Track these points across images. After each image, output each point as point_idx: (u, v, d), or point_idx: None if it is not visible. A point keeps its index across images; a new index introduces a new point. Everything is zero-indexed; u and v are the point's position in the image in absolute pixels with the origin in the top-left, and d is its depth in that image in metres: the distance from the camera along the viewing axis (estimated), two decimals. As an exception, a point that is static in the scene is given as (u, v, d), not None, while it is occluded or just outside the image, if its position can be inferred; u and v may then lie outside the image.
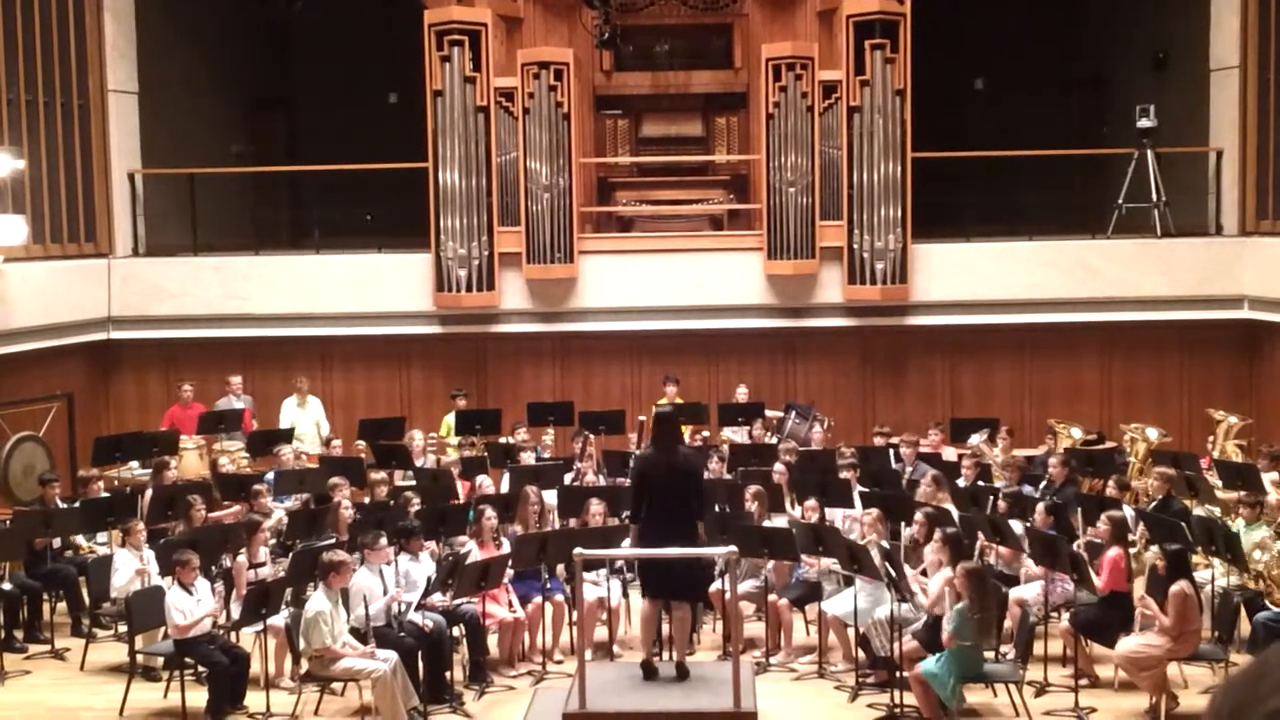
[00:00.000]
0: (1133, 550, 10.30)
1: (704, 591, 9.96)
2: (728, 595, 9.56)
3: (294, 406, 14.71)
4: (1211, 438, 13.49)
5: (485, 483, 12.24)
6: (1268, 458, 12.31)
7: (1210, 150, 15.57)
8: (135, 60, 15.90)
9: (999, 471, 12.43)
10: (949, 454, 13.07)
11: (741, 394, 14.65)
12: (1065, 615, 9.84)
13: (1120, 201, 15.34)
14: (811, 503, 10.78)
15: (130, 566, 10.32)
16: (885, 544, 9.92)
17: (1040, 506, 10.40)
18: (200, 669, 9.49)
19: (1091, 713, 9.20)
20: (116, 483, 13.22)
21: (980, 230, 15.79)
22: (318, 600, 9.04)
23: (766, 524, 10.66)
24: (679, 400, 14.37)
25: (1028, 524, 10.42)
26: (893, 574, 9.34)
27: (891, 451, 13.03)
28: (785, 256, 15.03)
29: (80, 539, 11.91)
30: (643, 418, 13.48)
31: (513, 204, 15.09)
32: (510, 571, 10.40)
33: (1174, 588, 8.87)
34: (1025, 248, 15.45)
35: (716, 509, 11.16)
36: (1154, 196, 15.15)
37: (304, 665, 9.38)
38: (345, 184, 17.08)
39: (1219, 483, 11.90)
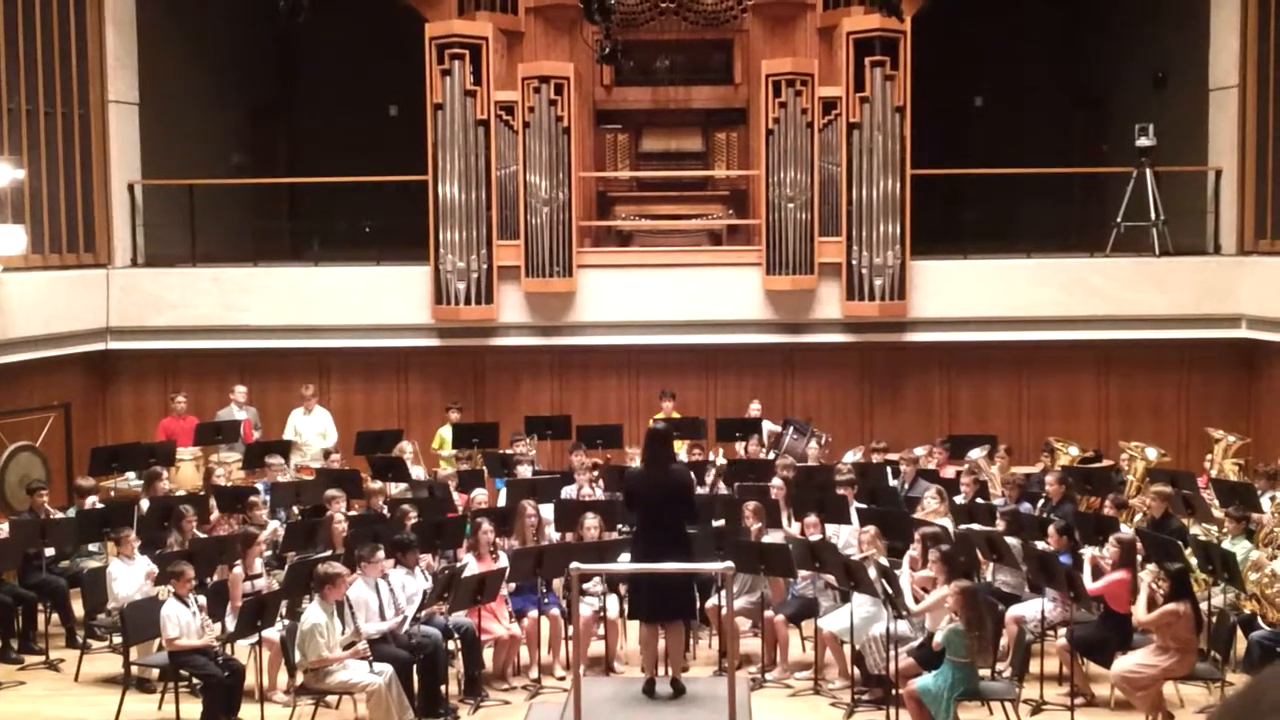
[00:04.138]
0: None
1: (694, 608, 9.93)
2: (724, 611, 9.55)
3: (300, 415, 14.71)
4: (1209, 456, 13.48)
5: (480, 496, 12.24)
6: (1264, 477, 12.31)
7: (1209, 169, 15.60)
8: (136, 70, 15.91)
9: (996, 489, 12.44)
10: (948, 471, 13.06)
11: (754, 409, 14.60)
12: (1062, 633, 9.82)
13: (1119, 220, 15.36)
14: (812, 519, 10.77)
15: (135, 574, 10.30)
16: (884, 560, 9.91)
17: (1052, 529, 10.38)
18: (195, 681, 9.46)
19: (1087, 732, 9.19)
20: (113, 493, 13.20)
21: (979, 247, 15.80)
22: (314, 612, 9.03)
23: (764, 540, 10.64)
24: (675, 415, 14.37)
25: (1026, 542, 10.41)
26: (889, 591, 9.33)
27: (889, 468, 13.02)
28: (784, 272, 15.03)
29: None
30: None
31: (512, 217, 15.10)
32: (510, 585, 10.41)
33: (1168, 606, 8.86)
34: (1024, 265, 15.46)
35: (713, 524, 11.17)
36: (1153, 215, 15.17)
37: (299, 678, 9.36)
38: (345, 196, 17.09)
39: (1216, 502, 11.89)
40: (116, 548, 10.61)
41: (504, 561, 10.44)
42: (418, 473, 13.46)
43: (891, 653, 9.27)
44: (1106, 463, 13.72)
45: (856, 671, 9.85)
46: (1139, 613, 9.09)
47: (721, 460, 13.50)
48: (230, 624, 9.67)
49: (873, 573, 9.52)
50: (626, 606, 9.99)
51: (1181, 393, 15.39)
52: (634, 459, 12.69)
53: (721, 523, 11.23)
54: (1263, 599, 10.14)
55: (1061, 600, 9.82)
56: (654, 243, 15.98)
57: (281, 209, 19.15)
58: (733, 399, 15.26)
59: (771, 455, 13.54)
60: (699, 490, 11.75)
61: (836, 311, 15.22)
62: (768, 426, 14.28)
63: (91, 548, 11.89)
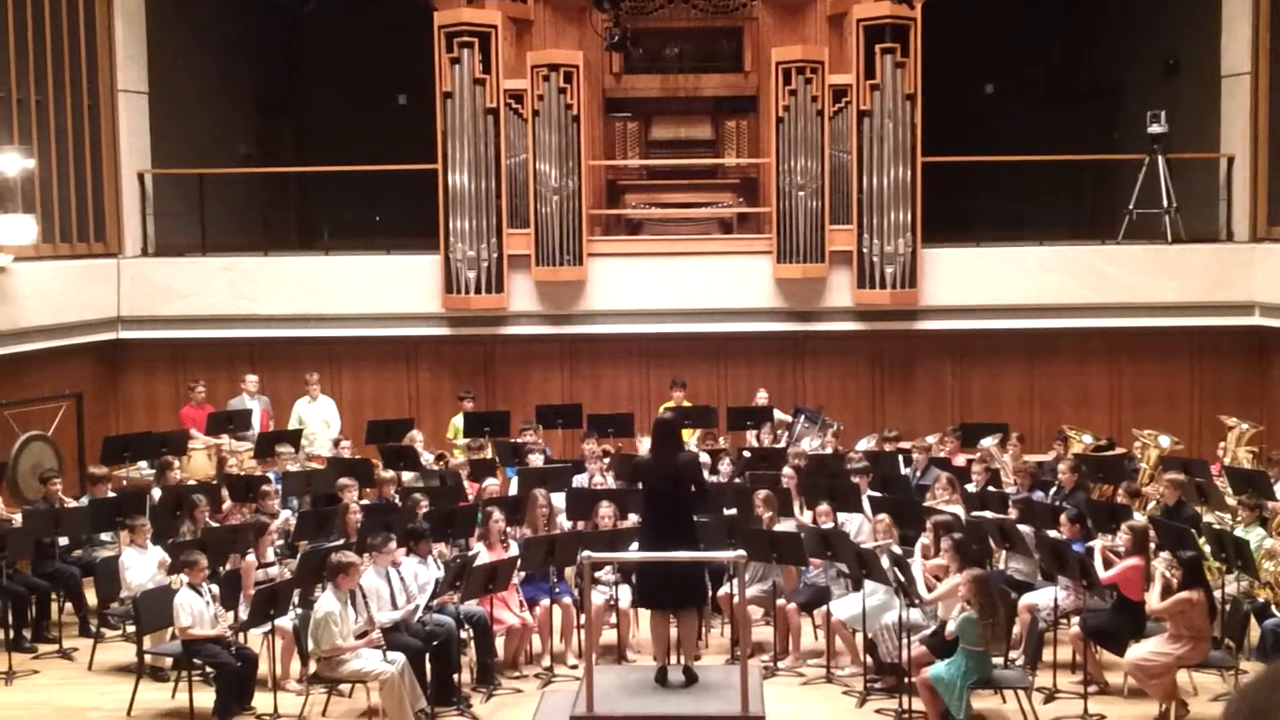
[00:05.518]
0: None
1: (705, 595, 9.90)
2: (736, 599, 9.54)
3: (305, 404, 14.72)
4: (1223, 444, 13.45)
5: (491, 485, 12.25)
6: (1278, 464, 12.27)
7: (1221, 156, 15.54)
8: (145, 60, 15.91)
9: (1008, 477, 12.41)
10: (960, 460, 13.03)
11: (761, 398, 14.59)
12: (1075, 621, 9.80)
13: (1131, 207, 15.31)
14: (824, 508, 10.75)
15: (148, 563, 10.31)
16: (896, 549, 9.89)
17: (1064, 517, 10.35)
18: (208, 669, 9.48)
19: (1101, 720, 9.17)
20: (125, 482, 13.22)
21: (990, 235, 15.76)
22: (327, 601, 9.03)
23: (776, 528, 10.63)
24: (686, 404, 14.35)
25: (1039, 530, 10.39)
26: (901, 579, 9.31)
27: (900, 456, 13.00)
28: (794, 260, 15.01)
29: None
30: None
31: (522, 206, 15.09)
32: (521, 574, 10.42)
33: (1182, 594, 8.84)
34: (1035, 253, 15.42)
35: (724, 512, 11.16)
36: (1165, 202, 15.12)
37: (311, 666, 9.37)
38: (354, 185, 17.09)
39: (1229, 489, 11.85)
40: (130, 536, 10.62)
41: (515, 550, 10.44)
42: (426, 458, 13.45)
43: (904, 641, 9.26)
44: (1119, 451, 13.69)
45: (869, 660, 9.84)
46: (1153, 601, 9.07)
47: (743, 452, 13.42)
48: (243, 613, 9.68)
49: (885, 561, 9.50)
50: (635, 595, 9.97)
51: (1194, 380, 15.35)
52: (645, 447, 12.68)
53: (733, 511, 11.22)
54: (1276, 587, 10.12)
55: (1074, 588, 9.80)
56: (664, 231, 15.95)
57: (291, 198, 19.15)
58: (744, 388, 15.23)
59: (783, 443, 13.52)
60: (713, 478, 11.76)
61: (847, 300, 15.19)
62: (778, 415, 14.26)
63: (104, 537, 11.91)
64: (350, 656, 9.02)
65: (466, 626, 9.95)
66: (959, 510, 11.06)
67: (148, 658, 9.97)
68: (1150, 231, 15.43)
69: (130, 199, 15.73)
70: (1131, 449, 13.66)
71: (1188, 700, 9.18)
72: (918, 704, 9.04)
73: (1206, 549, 10.22)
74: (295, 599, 9.84)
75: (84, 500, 12.15)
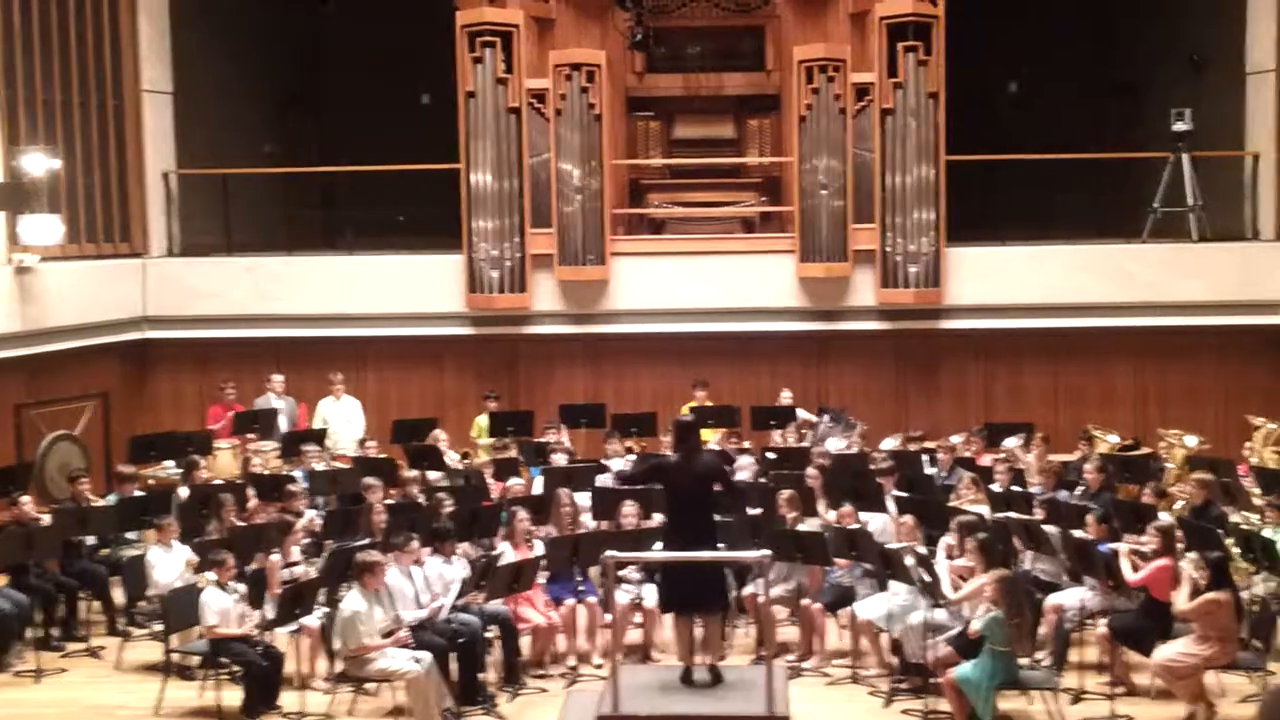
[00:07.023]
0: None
1: (727, 599, 9.87)
2: (761, 599, 9.54)
3: (330, 403, 14.76)
4: (1249, 444, 13.38)
5: (516, 484, 12.26)
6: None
7: (1247, 154, 15.46)
8: (169, 60, 15.99)
9: (1033, 477, 12.37)
10: (985, 459, 12.99)
11: (785, 398, 14.56)
12: (1102, 622, 9.77)
13: (1156, 205, 15.24)
14: (847, 508, 10.73)
15: (175, 562, 10.36)
16: (921, 549, 9.87)
17: (1090, 517, 10.31)
18: (235, 668, 9.51)
19: (1128, 721, 9.14)
20: (151, 481, 13.28)
21: (1014, 234, 15.71)
22: (353, 600, 9.06)
23: (800, 528, 10.61)
24: (709, 403, 14.34)
25: (1065, 530, 10.35)
26: (926, 579, 9.29)
27: (925, 456, 12.97)
28: (817, 259, 15.00)
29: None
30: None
31: (544, 205, 15.10)
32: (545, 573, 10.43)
33: (1209, 594, 8.81)
34: (1060, 252, 15.37)
35: (749, 512, 11.15)
36: (1190, 200, 15.05)
37: (338, 665, 9.40)
38: (378, 185, 17.12)
39: (1257, 489, 11.79)
40: (157, 535, 10.67)
41: (540, 550, 10.46)
42: (451, 458, 13.47)
43: (930, 641, 9.24)
44: (1145, 450, 13.63)
45: (894, 660, 9.83)
46: (1180, 602, 9.03)
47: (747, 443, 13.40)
48: (269, 612, 9.72)
49: (910, 561, 9.48)
50: (660, 600, 9.97)
51: (1220, 380, 15.26)
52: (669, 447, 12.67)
53: (758, 511, 11.21)
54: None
55: (1101, 588, 9.77)
56: (687, 230, 15.95)
57: (314, 198, 19.20)
58: (767, 387, 15.20)
59: (808, 443, 13.50)
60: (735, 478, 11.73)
61: (871, 299, 15.16)
62: (802, 414, 14.24)
63: (131, 536, 11.97)
64: (377, 655, 9.05)
65: (492, 626, 9.97)
66: (984, 510, 11.03)
67: (175, 656, 10.02)
68: (1175, 230, 15.36)
69: (155, 199, 15.81)
70: (1157, 449, 13.59)
71: (1215, 702, 9.13)
72: (943, 705, 9.02)
73: (1234, 550, 10.18)
74: (321, 598, 9.88)
75: (111, 499, 12.21)
